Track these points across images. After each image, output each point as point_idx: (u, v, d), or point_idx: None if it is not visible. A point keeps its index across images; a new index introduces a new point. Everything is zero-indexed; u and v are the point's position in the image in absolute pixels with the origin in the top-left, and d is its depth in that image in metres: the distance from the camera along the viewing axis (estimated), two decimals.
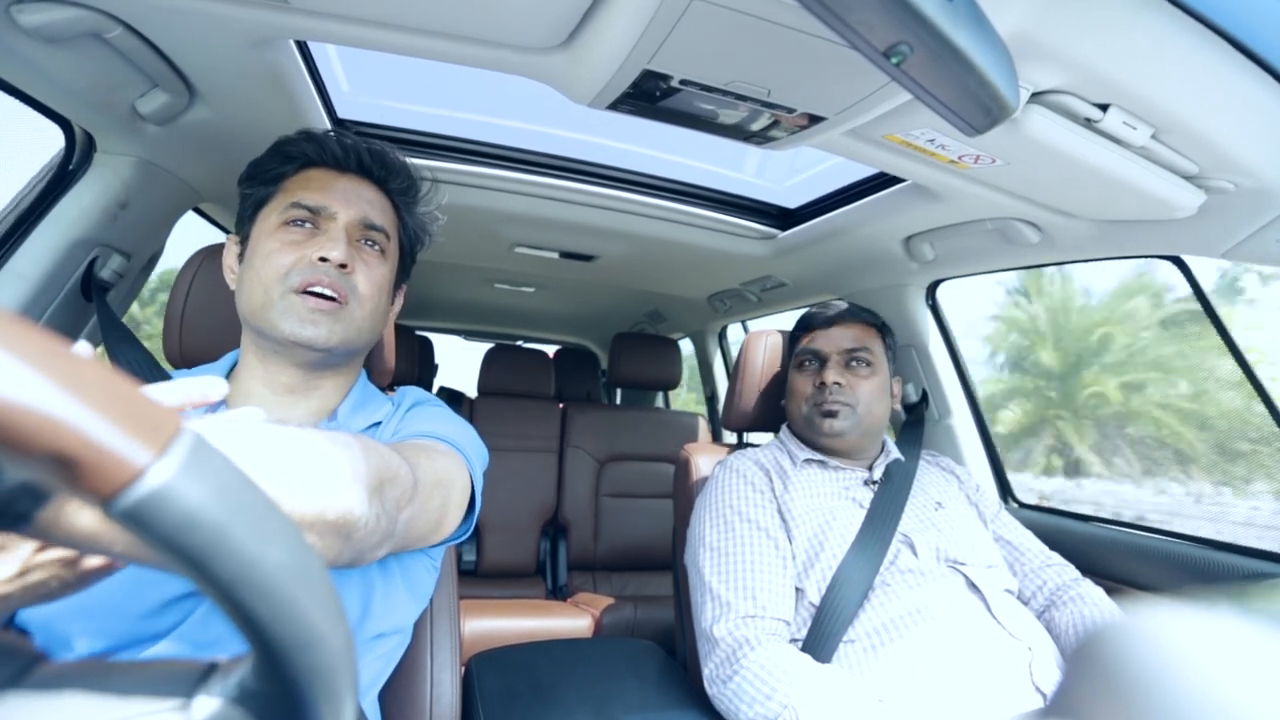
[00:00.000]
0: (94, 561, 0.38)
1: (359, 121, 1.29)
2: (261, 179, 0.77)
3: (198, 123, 1.06)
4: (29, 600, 0.36)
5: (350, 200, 0.76)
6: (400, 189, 0.82)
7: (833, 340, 1.22)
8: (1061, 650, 0.99)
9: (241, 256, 0.78)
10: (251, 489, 0.24)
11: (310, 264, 0.71)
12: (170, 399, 0.40)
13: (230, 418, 0.41)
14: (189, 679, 0.27)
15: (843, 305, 1.27)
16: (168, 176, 1.20)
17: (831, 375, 1.18)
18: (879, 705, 0.84)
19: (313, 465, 0.42)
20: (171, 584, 0.60)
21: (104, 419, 0.20)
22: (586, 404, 2.73)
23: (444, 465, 0.67)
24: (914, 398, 1.63)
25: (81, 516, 0.28)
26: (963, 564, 1.05)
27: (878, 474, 1.19)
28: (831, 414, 1.17)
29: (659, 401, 3.55)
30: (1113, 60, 0.69)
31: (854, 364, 1.20)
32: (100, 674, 0.27)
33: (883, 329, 1.27)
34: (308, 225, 0.74)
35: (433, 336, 3.29)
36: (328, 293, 0.71)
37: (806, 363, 1.25)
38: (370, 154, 0.79)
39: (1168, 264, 1.16)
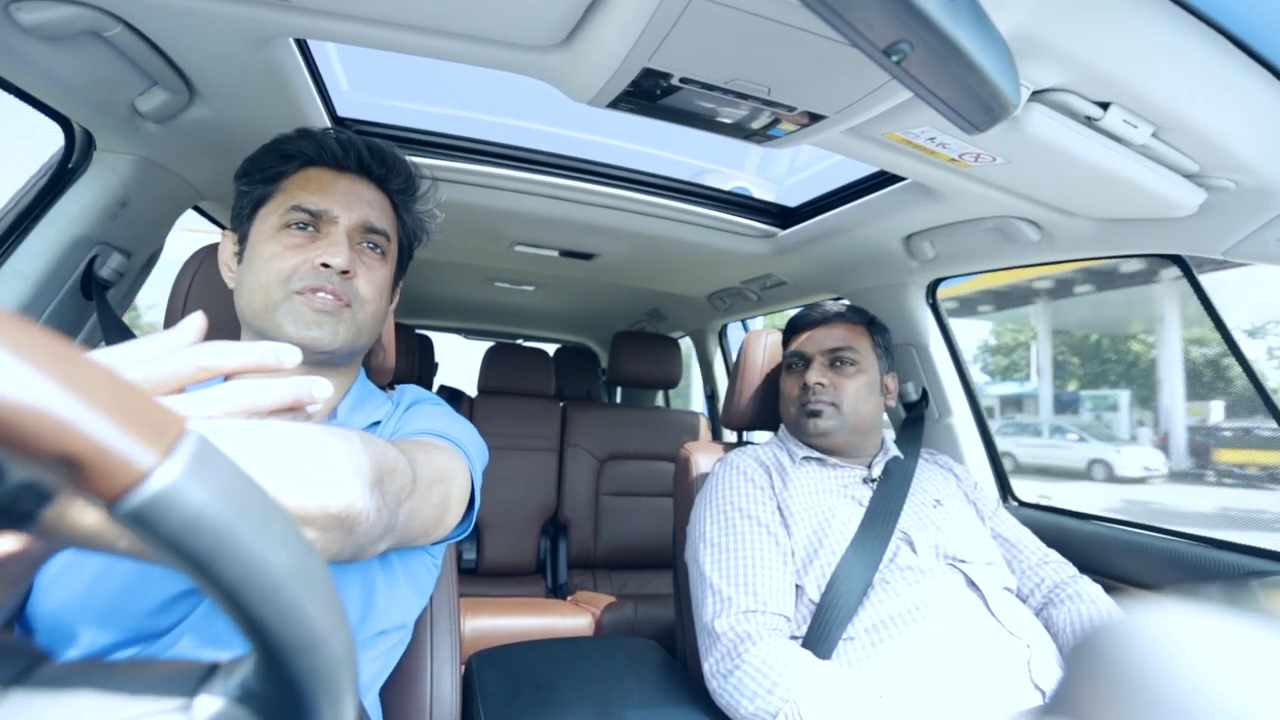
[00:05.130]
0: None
1: (358, 120, 1.29)
2: (259, 177, 0.76)
3: (197, 121, 1.06)
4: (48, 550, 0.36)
5: (351, 203, 0.75)
6: (399, 187, 0.81)
7: (816, 341, 1.23)
8: (1060, 648, 0.99)
9: (240, 256, 0.77)
10: (255, 491, 0.23)
11: (313, 269, 0.71)
12: (240, 359, 0.39)
13: (300, 382, 0.40)
14: (191, 679, 0.27)
15: (830, 306, 1.28)
16: (167, 175, 1.20)
17: (814, 376, 1.19)
18: (879, 702, 0.84)
19: (314, 459, 0.42)
20: (175, 581, 0.60)
21: (109, 421, 0.20)
22: (586, 403, 2.73)
23: (443, 461, 0.67)
24: (914, 396, 1.63)
25: (88, 515, 0.28)
26: (962, 561, 1.05)
27: (876, 472, 1.19)
28: (815, 414, 1.18)
29: (659, 400, 3.55)
30: (1113, 58, 0.69)
31: (838, 364, 1.21)
32: (103, 674, 0.27)
33: (872, 326, 1.28)
34: (309, 229, 0.74)
35: (433, 335, 3.29)
36: (330, 298, 0.71)
37: (793, 364, 1.26)
38: (370, 152, 0.78)
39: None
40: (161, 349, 0.38)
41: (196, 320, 0.42)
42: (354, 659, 0.27)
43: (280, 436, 0.40)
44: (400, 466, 0.54)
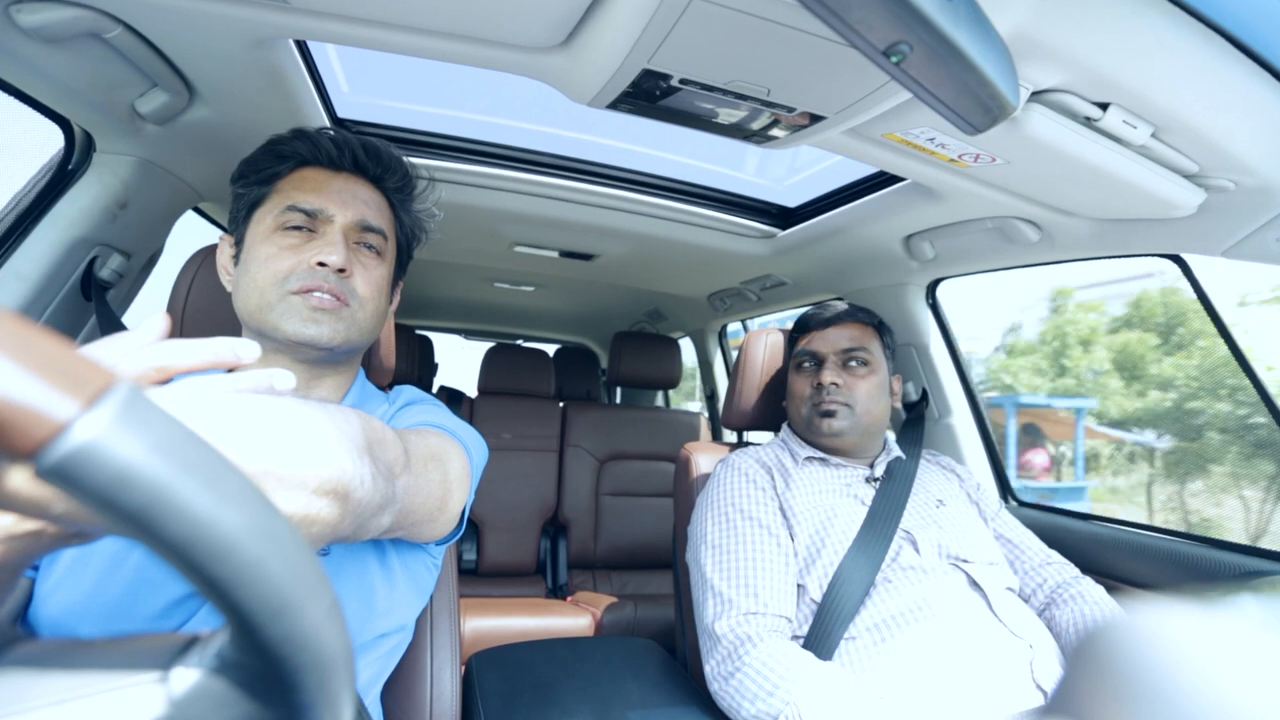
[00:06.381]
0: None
1: (358, 121, 1.29)
2: (255, 179, 0.76)
3: (197, 122, 1.06)
4: (48, 545, 0.35)
5: (347, 201, 0.75)
6: (396, 186, 0.81)
7: (829, 341, 1.23)
8: (1063, 648, 0.99)
9: (237, 258, 0.76)
10: (199, 445, 0.22)
11: (309, 269, 0.71)
12: (195, 357, 0.38)
13: (259, 376, 0.39)
14: (167, 651, 0.26)
15: (840, 306, 1.28)
16: (167, 176, 1.20)
17: (829, 376, 1.19)
18: (881, 702, 0.84)
19: (295, 427, 0.40)
20: (177, 586, 0.60)
21: (20, 370, 0.19)
22: (586, 403, 2.73)
23: (436, 443, 0.66)
24: (914, 396, 1.63)
25: (14, 476, 0.26)
26: (965, 561, 1.05)
27: (879, 471, 1.19)
28: (829, 414, 1.17)
29: (659, 400, 3.55)
30: (1112, 59, 0.69)
31: (851, 364, 1.21)
32: (78, 650, 0.27)
33: (880, 328, 1.28)
34: (304, 229, 0.73)
35: (433, 336, 3.29)
36: (327, 297, 0.71)
37: (804, 364, 1.25)
38: (365, 150, 0.78)
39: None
40: (120, 350, 0.37)
41: (158, 321, 0.41)
42: (340, 625, 0.25)
43: (258, 408, 0.39)
44: (389, 437, 0.53)
